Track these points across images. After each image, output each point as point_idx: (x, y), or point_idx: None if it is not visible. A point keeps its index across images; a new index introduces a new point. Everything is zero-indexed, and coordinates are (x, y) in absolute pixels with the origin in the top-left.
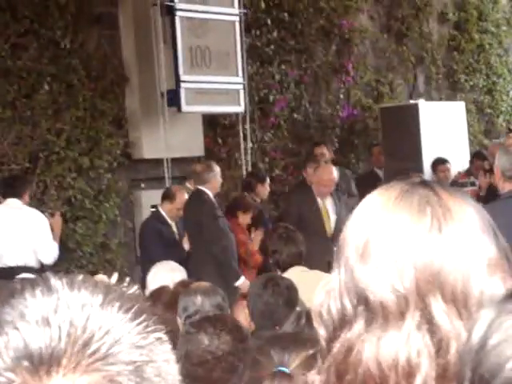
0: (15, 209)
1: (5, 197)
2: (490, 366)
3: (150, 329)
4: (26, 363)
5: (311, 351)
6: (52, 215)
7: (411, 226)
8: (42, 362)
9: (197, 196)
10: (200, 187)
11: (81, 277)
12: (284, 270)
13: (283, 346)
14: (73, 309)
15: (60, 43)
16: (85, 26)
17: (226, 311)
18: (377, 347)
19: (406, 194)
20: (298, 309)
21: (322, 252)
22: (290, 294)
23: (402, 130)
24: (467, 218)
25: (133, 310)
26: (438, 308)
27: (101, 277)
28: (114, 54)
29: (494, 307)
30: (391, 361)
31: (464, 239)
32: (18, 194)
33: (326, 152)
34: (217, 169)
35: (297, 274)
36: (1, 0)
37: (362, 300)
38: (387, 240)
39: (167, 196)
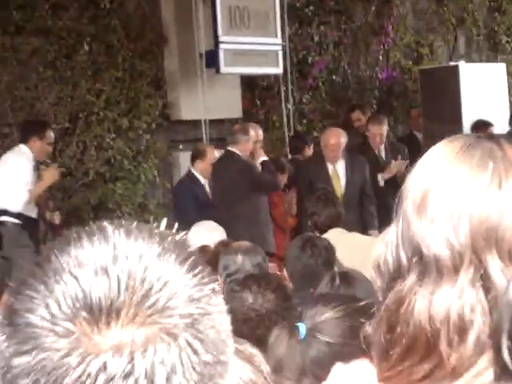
0: (7, 154)
1: (20, 142)
2: None
3: (205, 280)
4: (84, 314)
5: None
6: (47, 165)
7: (470, 180)
8: (101, 313)
9: (228, 156)
10: (230, 148)
11: (135, 224)
12: (322, 231)
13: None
14: (131, 259)
15: (100, 3)
16: None
17: (266, 271)
18: (429, 301)
19: (470, 147)
20: (335, 269)
21: None
22: (329, 255)
23: (442, 92)
24: None
25: (188, 262)
26: (494, 265)
27: None
28: (153, 14)
29: None
30: (443, 315)
31: None
32: (24, 140)
33: (362, 117)
34: (252, 134)
35: (335, 236)
36: None
37: (417, 253)
38: (444, 193)
39: (198, 155)
